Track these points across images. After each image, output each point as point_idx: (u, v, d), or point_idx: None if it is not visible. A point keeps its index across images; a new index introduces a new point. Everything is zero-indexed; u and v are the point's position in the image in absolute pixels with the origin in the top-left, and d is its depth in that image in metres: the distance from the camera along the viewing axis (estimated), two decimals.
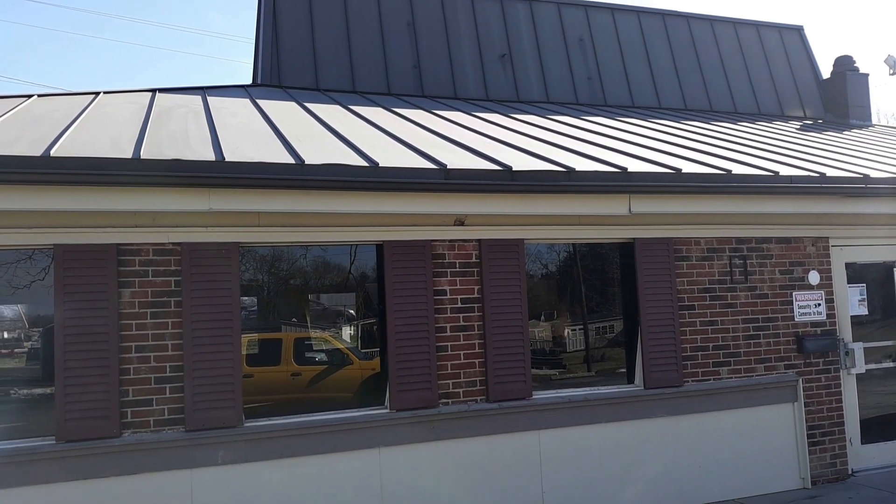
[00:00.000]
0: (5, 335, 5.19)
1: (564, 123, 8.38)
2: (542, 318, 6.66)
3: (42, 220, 4.93)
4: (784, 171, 6.56)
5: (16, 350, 5.24)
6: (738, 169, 6.43)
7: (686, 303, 6.66)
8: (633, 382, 6.52)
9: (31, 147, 4.65)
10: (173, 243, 5.23)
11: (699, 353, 6.66)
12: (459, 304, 5.96)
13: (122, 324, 5.06)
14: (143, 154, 4.73)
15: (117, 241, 5.09)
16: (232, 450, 5.19)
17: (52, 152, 4.52)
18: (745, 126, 9.87)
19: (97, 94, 7.53)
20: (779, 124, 10.57)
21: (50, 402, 4.95)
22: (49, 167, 4.43)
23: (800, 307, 7.09)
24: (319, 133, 6.28)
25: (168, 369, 5.14)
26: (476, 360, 5.95)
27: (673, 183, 6.00)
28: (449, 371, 5.87)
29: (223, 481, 5.17)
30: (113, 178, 4.59)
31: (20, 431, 4.92)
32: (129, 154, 4.71)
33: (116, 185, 4.64)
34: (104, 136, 5.29)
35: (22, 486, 4.75)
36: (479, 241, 6.03)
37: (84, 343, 4.94)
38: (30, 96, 7.11)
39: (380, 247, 5.84)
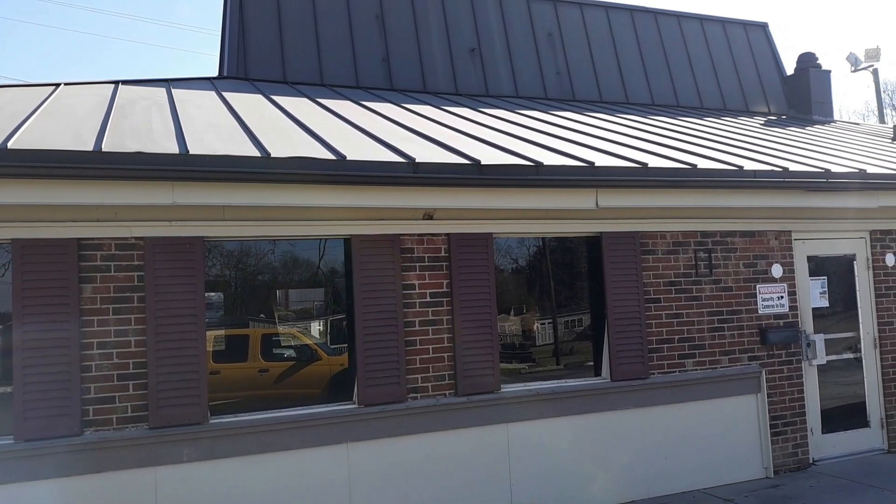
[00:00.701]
0: None
1: (533, 118, 8.41)
2: (512, 312, 6.68)
3: (0, 214, 4.80)
4: (748, 165, 6.66)
5: None
6: (703, 163, 6.51)
7: (652, 296, 6.74)
8: (600, 375, 6.58)
9: None
10: (136, 237, 5.14)
11: (665, 345, 6.74)
12: (428, 299, 5.96)
13: (84, 320, 4.96)
14: (105, 147, 4.63)
15: (78, 236, 4.99)
16: (197, 447, 5.13)
17: (10, 144, 4.41)
18: (710, 121, 10.00)
19: (57, 85, 7.35)
20: (744, 119, 10.73)
21: (8, 400, 4.83)
22: (7, 160, 4.32)
23: (763, 300, 7.21)
24: (286, 126, 6.22)
25: (131, 366, 5.05)
26: (445, 355, 5.95)
27: (639, 177, 6.05)
28: (418, 365, 5.86)
29: (188, 479, 5.11)
30: (74, 171, 4.49)
31: None
32: (90, 147, 4.61)
33: (77, 178, 4.55)
34: (65, 128, 5.17)
35: None
36: (448, 234, 6.03)
37: (44, 340, 4.83)
38: None
39: (348, 241, 5.80)
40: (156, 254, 5.13)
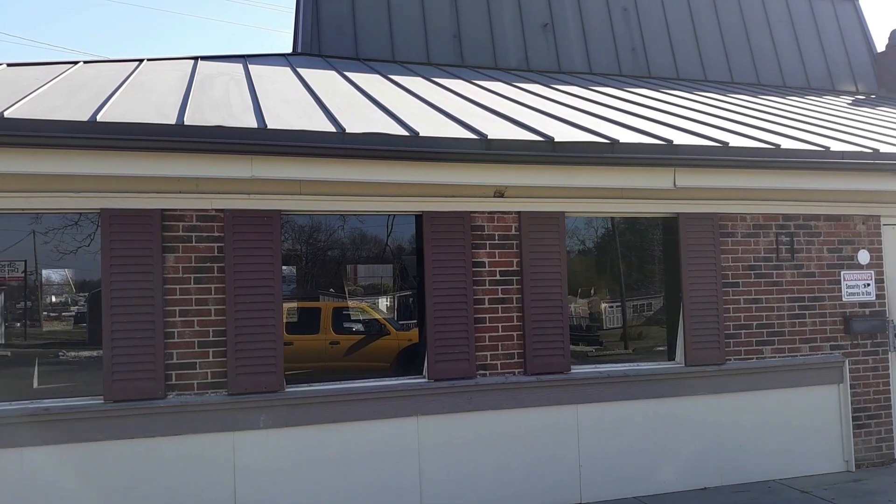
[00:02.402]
0: (53, 299, 5.31)
1: (608, 95, 8.22)
2: (580, 293, 6.59)
3: (89, 185, 5.00)
4: (835, 146, 6.35)
5: (63, 314, 5.36)
6: (787, 143, 6.24)
7: (730, 280, 6.53)
8: (673, 359, 6.44)
9: (77, 112, 4.70)
10: (216, 209, 5.27)
11: (742, 331, 6.54)
12: (498, 277, 5.93)
13: (167, 288, 5.14)
14: (187, 120, 4.75)
15: (162, 207, 5.15)
16: (273, 414, 5.27)
17: (99, 117, 4.57)
18: (794, 100, 9.58)
19: (141, 61, 7.59)
20: (829, 99, 10.23)
21: (95, 363, 5.06)
22: (96, 132, 4.48)
23: (848, 287, 6.90)
24: (360, 102, 6.25)
25: (211, 333, 5.21)
26: (514, 333, 5.92)
27: (720, 156, 5.84)
28: (487, 343, 5.86)
29: (264, 444, 5.26)
30: (157, 144, 4.62)
31: (69, 391, 5.04)
32: (172, 120, 4.74)
33: (160, 150, 4.67)
34: (149, 102, 5.33)
35: (71, 443, 4.89)
36: (518, 213, 5.97)
37: (130, 306, 5.03)
38: (76, 63, 7.20)
39: (419, 217, 5.81)
40: (235, 226, 5.26)
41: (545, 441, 5.89)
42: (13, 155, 4.48)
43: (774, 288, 6.69)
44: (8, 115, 4.41)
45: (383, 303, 6.54)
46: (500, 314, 5.91)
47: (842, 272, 6.90)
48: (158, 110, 5.04)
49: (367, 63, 8.86)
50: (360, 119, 5.47)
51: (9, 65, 6.69)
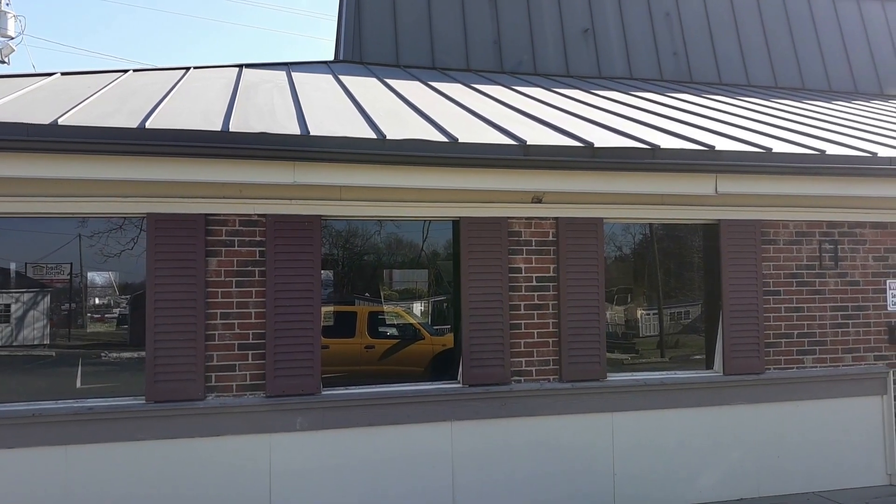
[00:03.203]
0: (97, 301, 5.47)
1: (648, 100, 8.16)
2: (616, 300, 6.55)
3: (136, 190, 5.14)
4: (883, 152, 6.20)
5: (106, 315, 5.52)
6: (832, 149, 6.12)
7: (771, 288, 6.43)
8: (711, 368, 6.36)
9: (128, 119, 4.85)
10: (259, 214, 5.38)
11: (783, 340, 6.43)
12: (534, 283, 5.93)
13: (209, 291, 5.26)
14: (232, 127, 4.86)
15: (206, 212, 5.27)
16: (310, 416, 5.35)
17: (147, 124, 4.70)
18: (840, 104, 9.37)
19: (188, 69, 7.77)
20: (877, 103, 9.98)
21: (137, 364, 5.20)
22: (144, 139, 4.61)
23: (893, 296, 6.73)
24: (400, 109, 6.32)
25: (251, 336, 5.32)
26: (550, 340, 5.91)
27: (763, 163, 5.76)
28: (522, 349, 5.86)
29: (300, 446, 5.34)
30: (203, 150, 4.73)
31: (111, 391, 5.19)
32: (218, 126, 4.85)
33: (206, 156, 4.79)
34: (195, 109, 5.46)
35: (114, 442, 5.03)
36: (556, 219, 5.97)
37: (173, 309, 5.15)
38: (126, 71, 7.41)
39: (456, 223, 5.84)
40: (276, 230, 5.36)
41: (580, 449, 5.87)
42: (66, 161, 4.63)
43: (817, 296, 6.56)
44: (62, 122, 4.57)
45: (418, 307, 6.59)
46: (535, 320, 5.91)
47: (888, 281, 6.73)
48: (205, 117, 5.16)
49: (408, 70, 8.94)
50: (401, 125, 5.53)
51: (63, 73, 6.92)
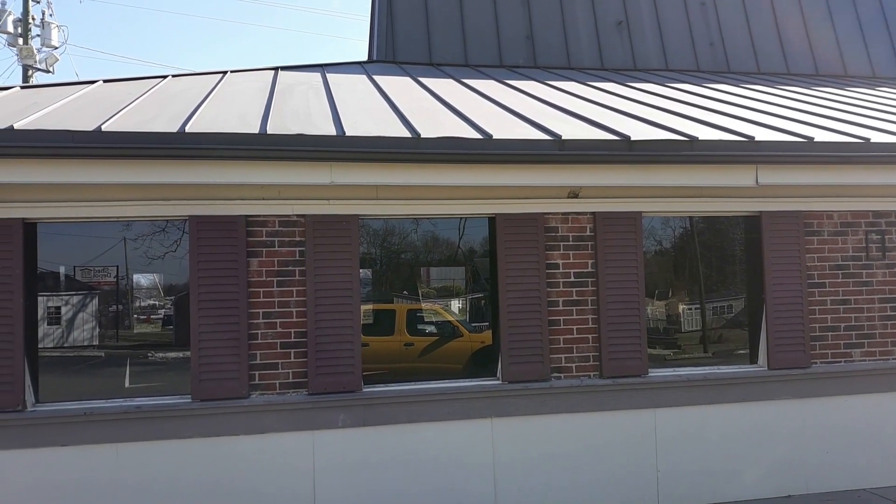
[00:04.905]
0: (142, 302, 5.60)
1: (685, 91, 8.04)
2: (657, 295, 6.47)
3: (178, 193, 5.25)
4: None
5: (152, 316, 5.65)
6: (877, 137, 5.96)
7: (816, 280, 6.29)
8: (756, 363, 6.25)
9: (168, 124, 4.95)
10: (298, 215, 5.45)
11: (829, 333, 6.29)
12: (572, 279, 5.89)
13: (251, 291, 5.34)
14: (269, 129, 4.93)
15: (246, 213, 5.35)
16: (351, 413, 5.40)
17: (187, 128, 4.80)
18: (885, 91, 9.12)
19: (225, 73, 7.90)
20: None
21: (182, 364, 5.31)
22: (184, 142, 4.71)
23: None
24: (434, 107, 6.33)
25: (293, 335, 5.39)
26: (589, 336, 5.88)
27: (805, 152, 5.63)
28: (561, 345, 5.83)
29: (343, 443, 5.40)
30: (241, 153, 4.81)
31: (158, 390, 5.31)
32: (256, 129, 4.93)
33: (244, 158, 4.87)
34: (233, 112, 5.56)
35: (162, 440, 5.15)
36: (593, 213, 5.92)
37: (216, 309, 5.25)
38: (165, 77, 7.56)
39: (492, 220, 5.84)
40: (315, 230, 5.42)
41: (622, 444, 5.82)
42: (110, 165, 4.74)
43: (864, 288, 6.40)
44: (105, 128, 4.68)
45: (455, 305, 6.59)
46: (574, 316, 5.87)
47: None
48: (242, 120, 5.24)
49: (441, 68, 8.96)
50: (435, 124, 5.54)
51: (105, 81, 7.09)
